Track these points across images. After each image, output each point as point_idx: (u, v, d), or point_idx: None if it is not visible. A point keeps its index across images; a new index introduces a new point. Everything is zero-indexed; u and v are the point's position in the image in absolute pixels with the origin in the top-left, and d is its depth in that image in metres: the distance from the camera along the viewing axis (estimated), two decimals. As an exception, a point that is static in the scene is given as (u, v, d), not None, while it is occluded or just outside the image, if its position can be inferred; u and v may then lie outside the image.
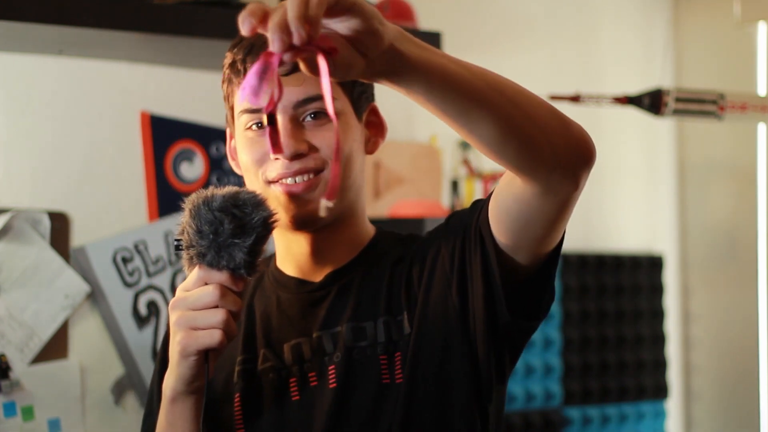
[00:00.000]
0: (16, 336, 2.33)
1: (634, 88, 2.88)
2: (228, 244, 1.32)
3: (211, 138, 2.61)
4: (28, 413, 2.32)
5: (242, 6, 2.38)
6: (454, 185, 2.91)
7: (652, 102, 2.67)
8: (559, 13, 3.32)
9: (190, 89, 2.59)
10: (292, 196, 1.42)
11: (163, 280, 2.52)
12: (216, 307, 1.32)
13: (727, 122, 2.80)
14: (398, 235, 1.53)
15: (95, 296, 2.44)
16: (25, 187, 2.39)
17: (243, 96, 1.07)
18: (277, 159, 1.42)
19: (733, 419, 3.48)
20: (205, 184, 2.59)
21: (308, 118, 1.43)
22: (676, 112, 2.69)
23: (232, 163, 1.54)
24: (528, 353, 3.12)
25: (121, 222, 2.49)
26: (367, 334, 1.44)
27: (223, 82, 1.50)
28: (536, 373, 3.13)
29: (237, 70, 1.46)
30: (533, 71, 3.22)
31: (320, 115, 1.43)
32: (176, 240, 1.35)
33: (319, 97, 1.42)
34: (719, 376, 3.50)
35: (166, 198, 2.54)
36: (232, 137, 1.52)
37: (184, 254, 1.34)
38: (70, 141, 2.45)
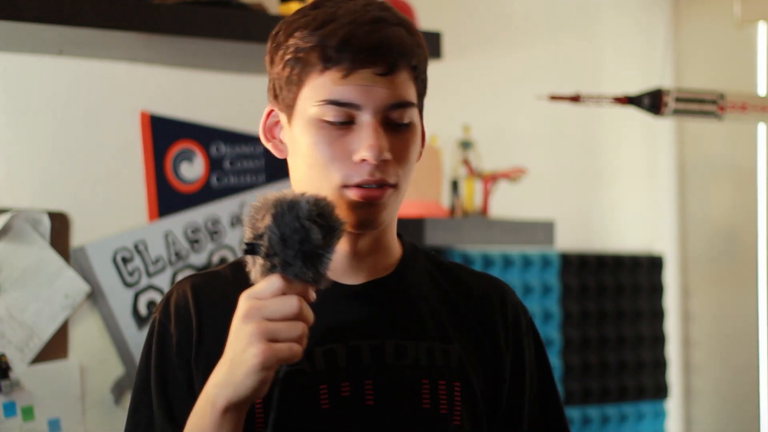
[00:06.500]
0: (16, 336, 2.33)
1: (634, 88, 2.88)
2: (313, 255, 1.26)
3: (211, 138, 2.61)
4: (28, 413, 2.32)
5: (242, 6, 2.38)
6: (454, 185, 2.90)
7: (652, 102, 2.67)
8: (559, 13, 3.32)
9: (190, 89, 2.59)
10: (367, 199, 1.37)
11: (163, 280, 2.52)
12: (296, 319, 1.26)
13: (727, 122, 2.80)
14: (422, 250, 1.51)
15: (95, 296, 2.44)
16: (25, 187, 2.39)
17: None
18: (363, 161, 1.36)
19: (733, 419, 3.47)
20: (205, 184, 2.60)
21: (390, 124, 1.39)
22: (676, 112, 2.69)
23: (269, 144, 1.46)
24: (528, 353, 3.11)
25: (121, 222, 2.49)
26: (408, 354, 1.40)
27: (297, 61, 1.39)
28: (536, 373, 3.12)
29: (328, 57, 1.36)
30: (533, 71, 3.22)
31: (401, 125, 1.39)
32: (250, 243, 1.27)
33: (407, 104, 1.38)
34: (719, 376, 3.50)
35: (166, 198, 2.54)
36: (271, 114, 1.44)
37: (260, 260, 1.27)
38: (70, 141, 2.45)
